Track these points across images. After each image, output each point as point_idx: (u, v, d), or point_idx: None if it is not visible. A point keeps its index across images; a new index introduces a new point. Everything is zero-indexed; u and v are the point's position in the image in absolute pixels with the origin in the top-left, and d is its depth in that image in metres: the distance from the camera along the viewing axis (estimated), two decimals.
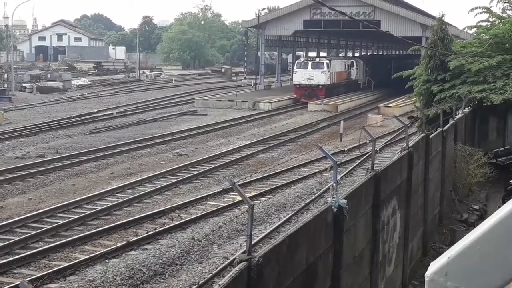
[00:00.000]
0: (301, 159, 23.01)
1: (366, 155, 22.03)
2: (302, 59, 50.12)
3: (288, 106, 44.38)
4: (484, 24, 24.37)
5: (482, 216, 16.11)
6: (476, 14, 23.88)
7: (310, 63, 47.19)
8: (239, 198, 16.23)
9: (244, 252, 5.42)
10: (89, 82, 62.13)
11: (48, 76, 59.53)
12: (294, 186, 19.62)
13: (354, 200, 7.91)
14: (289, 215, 15.97)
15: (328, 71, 46.39)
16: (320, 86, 45.79)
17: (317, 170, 21.66)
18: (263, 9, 77.09)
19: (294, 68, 48.41)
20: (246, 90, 54.87)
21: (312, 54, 63.54)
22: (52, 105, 43.10)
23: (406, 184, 11.23)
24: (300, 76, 46.38)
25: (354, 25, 47.30)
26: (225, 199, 17.67)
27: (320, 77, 45.82)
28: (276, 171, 21.11)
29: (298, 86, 46.65)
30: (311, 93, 45.83)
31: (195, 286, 11.50)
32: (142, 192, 18.35)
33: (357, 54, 74.74)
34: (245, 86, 59.12)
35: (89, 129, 31.04)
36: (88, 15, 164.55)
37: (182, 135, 29.80)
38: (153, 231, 13.79)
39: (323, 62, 47.18)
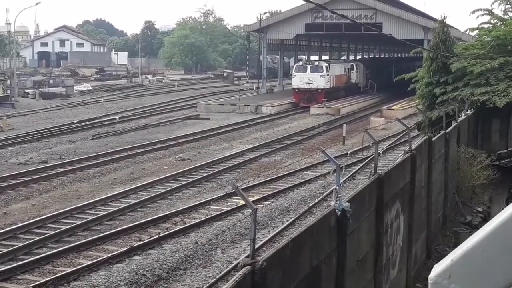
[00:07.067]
0: (304, 162, 23.01)
1: (369, 158, 22.01)
2: (300, 63, 49.53)
3: (291, 109, 44.35)
4: (485, 26, 24.37)
5: (486, 218, 16.08)
6: (477, 16, 23.89)
7: (309, 66, 46.59)
8: (242, 202, 16.23)
9: (247, 256, 5.42)
10: (91, 88, 62.22)
11: (51, 81, 59.64)
12: (297, 190, 19.62)
13: (357, 203, 7.90)
14: (293, 219, 15.97)
15: (327, 75, 46.01)
16: (319, 90, 45.31)
17: (320, 174, 21.66)
18: (265, 13, 76.97)
19: (293, 72, 47.92)
20: (249, 94, 54.92)
21: (314, 57, 63.45)
22: (55, 111, 43.17)
23: (409, 187, 11.22)
24: (299, 80, 45.87)
25: (356, 28, 47.25)
26: (228, 203, 17.67)
27: (319, 81, 45.37)
28: (279, 175, 21.10)
29: (297, 90, 46.15)
30: (310, 97, 45.37)
31: None
32: (145, 197, 18.37)
33: (359, 57, 74.68)
34: (247, 90, 59.18)
35: (92, 135, 31.08)
36: (90, 21, 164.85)
37: (185, 139, 29.82)
38: (157, 236, 13.81)
39: (322, 66, 46.68)
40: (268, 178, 20.27)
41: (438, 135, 15.15)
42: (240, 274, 5.08)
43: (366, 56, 79.29)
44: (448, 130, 15.94)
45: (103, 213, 16.66)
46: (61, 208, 17.12)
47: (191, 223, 15.52)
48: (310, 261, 6.61)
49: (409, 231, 11.16)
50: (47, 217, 16.14)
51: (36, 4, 57.45)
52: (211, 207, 17.28)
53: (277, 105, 44.01)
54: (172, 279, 12.36)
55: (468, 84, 21.24)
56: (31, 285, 11.46)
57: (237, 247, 14.17)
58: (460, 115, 18.91)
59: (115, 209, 17.07)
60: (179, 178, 21.11)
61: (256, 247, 5.39)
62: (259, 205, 16.65)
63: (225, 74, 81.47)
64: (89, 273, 12.17)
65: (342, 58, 77.43)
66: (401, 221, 10.62)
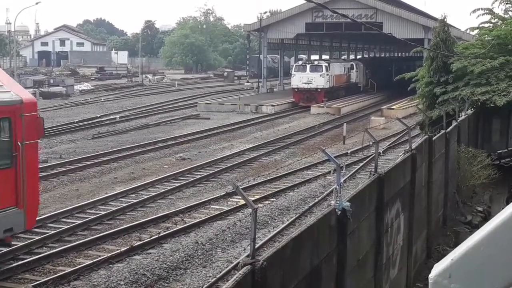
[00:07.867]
0: (304, 162, 23.02)
1: (369, 158, 22.02)
2: (300, 62, 49.29)
3: (291, 109, 44.32)
4: (486, 25, 24.37)
5: (486, 218, 16.08)
6: (478, 16, 23.89)
7: (308, 66, 46.40)
8: (242, 202, 16.22)
9: (248, 256, 5.43)
10: (92, 87, 62.18)
11: (51, 81, 59.63)
12: (297, 189, 19.62)
13: (358, 203, 7.90)
14: (293, 218, 15.97)
15: (327, 74, 45.85)
16: (319, 90, 45.13)
17: (320, 173, 21.65)
18: (265, 12, 77.17)
19: (293, 71, 47.68)
20: (249, 93, 54.89)
21: (315, 57, 63.39)
22: (55, 110, 43.13)
23: (410, 186, 11.22)
24: (299, 79, 45.68)
25: (356, 27, 47.21)
26: (229, 202, 17.66)
27: (318, 81, 45.19)
28: (279, 174, 21.10)
29: (296, 89, 45.98)
30: (310, 97, 45.18)
31: None
32: (146, 197, 18.36)
33: (359, 57, 74.67)
34: (247, 90, 59.15)
35: (92, 134, 31.06)
36: (90, 20, 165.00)
37: (185, 139, 29.81)
38: (157, 236, 13.81)
39: (321, 65, 46.47)
40: (269, 178, 20.27)
41: (438, 134, 15.15)
42: (240, 274, 5.08)
43: (367, 56, 79.26)
44: (448, 129, 15.94)
45: (104, 212, 16.66)
46: (61, 208, 17.12)
47: (192, 223, 15.52)
48: (311, 261, 6.61)
49: (409, 231, 11.17)
50: (48, 216, 16.14)
51: (36, 3, 57.52)
52: (211, 206, 17.28)
53: (278, 105, 43.97)
54: (173, 278, 12.36)
55: (468, 83, 21.24)
56: (31, 284, 11.46)
57: (237, 247, 14.18)
58: (460, 115, 18.90)
59: (116, 208, 17.07)
60: (179, 178, 21.11)
61: (256, 247, 5.39)
62: (259, 205, 16.65)
63: (225, 74, 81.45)
64: (90, 273, 12.18)
65: (343, 57, 77.34)
66: (401, 220, 10.62)
